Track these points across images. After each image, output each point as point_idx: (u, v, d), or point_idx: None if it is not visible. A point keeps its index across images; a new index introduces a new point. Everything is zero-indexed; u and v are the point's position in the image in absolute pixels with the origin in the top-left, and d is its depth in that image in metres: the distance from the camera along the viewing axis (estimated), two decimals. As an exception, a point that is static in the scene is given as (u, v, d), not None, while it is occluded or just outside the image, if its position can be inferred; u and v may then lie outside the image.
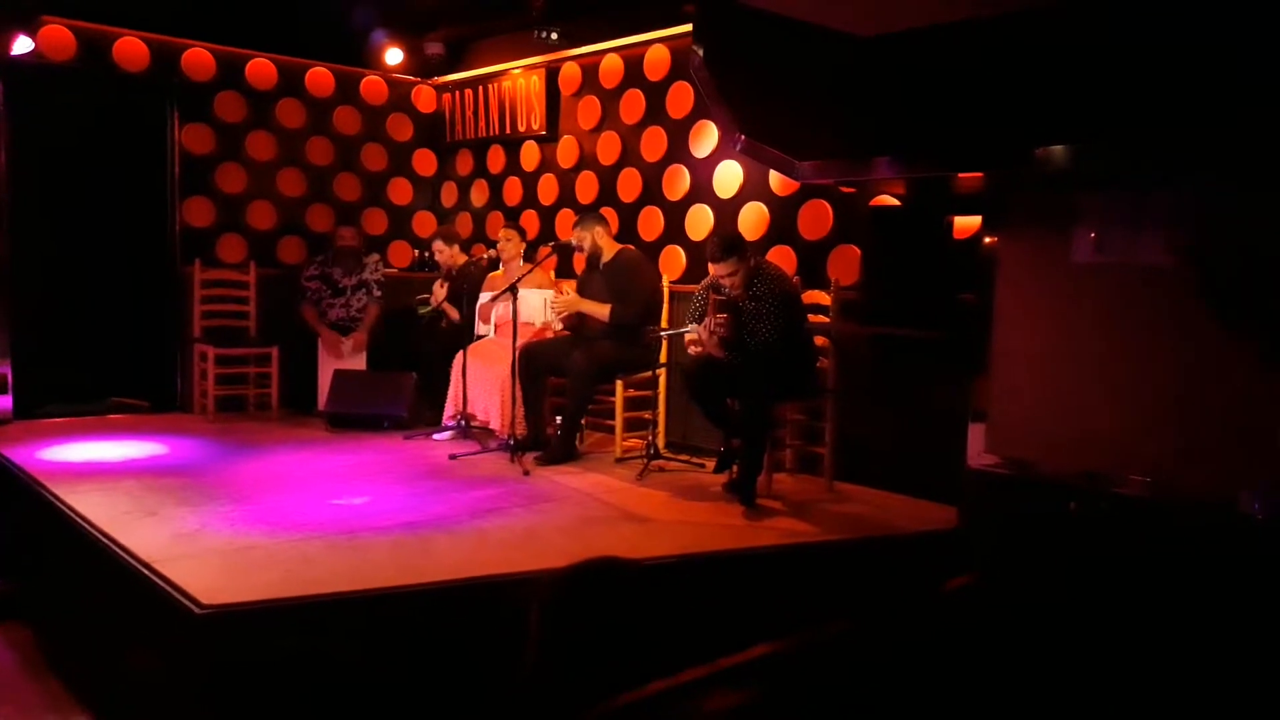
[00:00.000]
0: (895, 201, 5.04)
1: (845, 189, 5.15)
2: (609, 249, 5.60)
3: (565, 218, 6.81)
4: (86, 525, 3.89)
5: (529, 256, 6.18)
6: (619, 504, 4.57)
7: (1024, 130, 4.04)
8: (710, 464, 5.07)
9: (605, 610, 1.74)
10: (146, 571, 3.31)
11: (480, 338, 6.15)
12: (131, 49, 6.60)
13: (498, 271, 6.20)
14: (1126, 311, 3.88)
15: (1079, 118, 3.91)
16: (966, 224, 4.76)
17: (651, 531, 4.17)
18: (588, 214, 5.77)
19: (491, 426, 5.77)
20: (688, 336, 4.78)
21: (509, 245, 6.10)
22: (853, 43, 4.52)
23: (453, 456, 5.33)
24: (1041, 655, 3.22)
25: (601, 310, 5.41)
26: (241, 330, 6.70)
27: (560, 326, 5.75)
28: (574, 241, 5.62)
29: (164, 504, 4.23)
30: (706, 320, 4.62)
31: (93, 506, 4.10)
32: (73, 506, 4.12)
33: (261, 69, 7.11)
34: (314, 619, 3.13)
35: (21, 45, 5.82)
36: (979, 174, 4.34)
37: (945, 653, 2.76)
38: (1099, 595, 3.64)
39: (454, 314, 6.34)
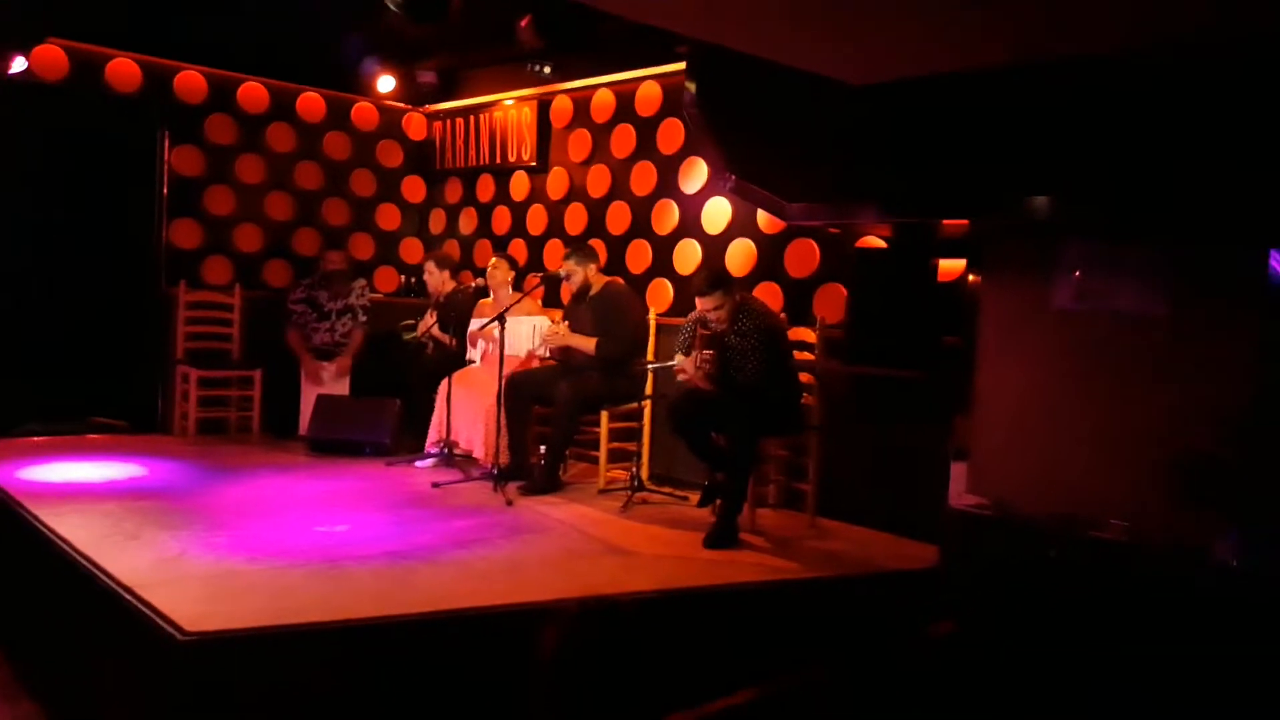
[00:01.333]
0: (881, 243, 5.12)
1: (832, 229, 5.22)
2: (597, 282, 5.64)
3: (554, 248, 6.86)
4: (66, 547, 3.86)
5: (517, 285, 6.21)
6: (602, 536, 4.58)
7: (1008, 179, 4.13)
8: (694, 497, 5.09)
9: (607, 653, 1.76)
10: (129, 597, 3.29)
11: (470, 363, 6.16)
12: (124, 70, 6.63)
13: (488, 299, 6.23)
14: (1107, 357, 3.95)
15: (1062, 169, 4.00)
16: (951, 267, 4.84)
17: (634, 565, 4.18)
18: (581, 248, 5.81)
19: (475, 455, 5.77)
20: (676, 367, 4.82)
21: (497, 273, 6.13)
22: (843, 89, 4.61)
23: (435, 485, 5.32)
24: (1019, 698, 3.25)
25: (588, 344, 5.44)
26: (225, 353, 6.68)
27: (545, 354, 5.77)
28: (563, 273, 5.67)
29: (144, 527, 4.20)
30: (694, 354, 4.66)
31: (73, 528, 4.07)
32: (52, 528, 4.09)
33: (253, 93, 7.15)
34: (297, 647, 3.12)
35: (16, 65, 5.83)
36: (963, 220, 4.43)
37: (927, 696, 2.78)
38: (1075, 638, 3.68)
39: (445, 339, 6.32)
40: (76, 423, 6.46)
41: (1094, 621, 3.70)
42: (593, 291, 5.62)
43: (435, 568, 3.92)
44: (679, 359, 4.83)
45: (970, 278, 4.59)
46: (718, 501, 4.71)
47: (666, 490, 5.40)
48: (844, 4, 3.59)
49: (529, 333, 5.91)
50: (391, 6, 4.78)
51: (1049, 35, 3.74)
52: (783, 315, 5.13)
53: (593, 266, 5.63)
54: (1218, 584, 3.49)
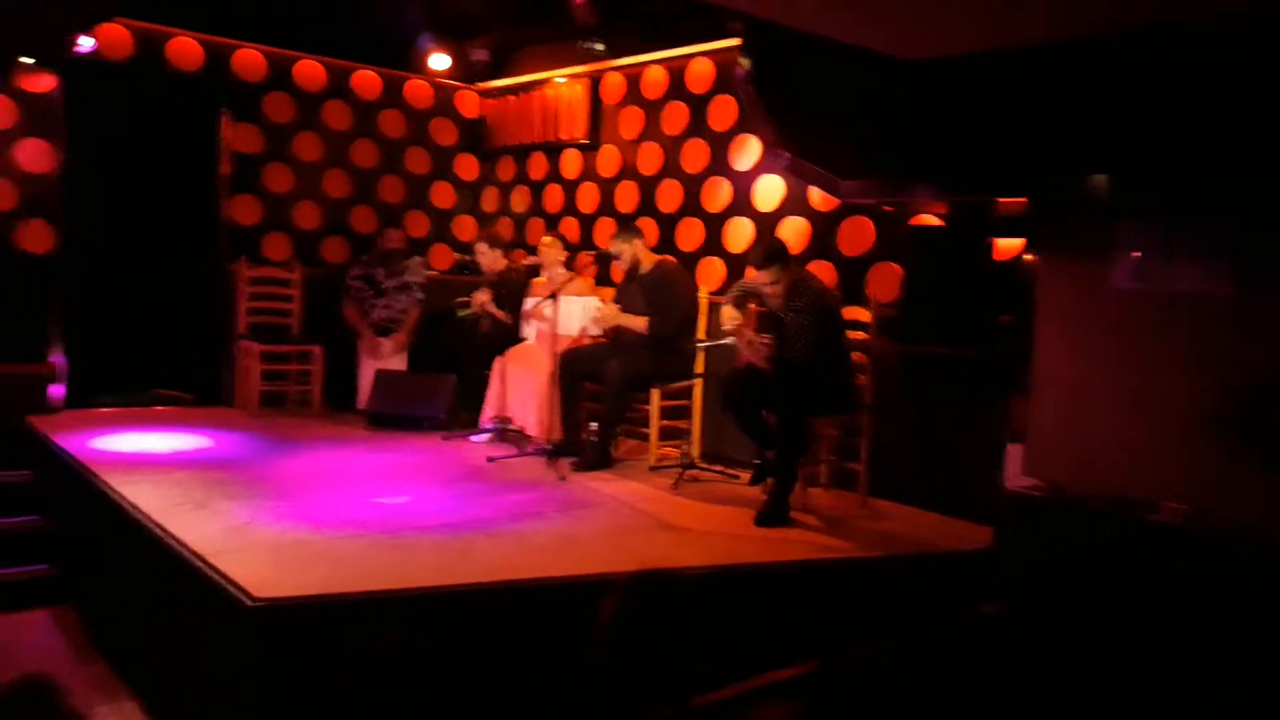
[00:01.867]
0: (937, 221, 5.08)
1: (887, 208, 5.19)
2: (647, 260, 5.67)
3: (605, 225, 6.89)
4: (139, 515, 4.00)
5: (569, 264, 6.26)
6: (654, 513, 4.64)
7: (1066, 157, 4.07)
8: (745, 475, 5.12)
9: (664, 621, 1.81)
10: (199, 563, 3.41)
11: (525, 340, 6.25)
12: (185, 48, 6.76)
13: (540, 278, 6.28)
14: (1167, 338, 3.89)
15: (1121, 146, 3.94)
16: (1008, 246, 4.79)
17: (686, 541, 4.23)
18: (625, 227, 5.84)
19: (528, 431, 5.85)
20: (731, 338, 4.80)
21: (550, 252, 6.17)
22: (897, 65, 4.56)
23: (490, 459, 5.41)
24: (1071, 680, 3.25)
25: (639, 324, 5.48)
26: (285, 328, 6.83)
27: (598, 333, 5.81)
28: (612, 252, 5.70)
29: (212, 497, 4.34)
30: (750, 337, 4.65)
31: (144, 496, 4.22)
32: (125, 495, 4.24)
33: (310, 70, 7.25)
34: (360, 615, 3.22)
35: (84, 44, 5.98)
36: (1021, 199, 4.37)
37: (978, 674, 2.80)
38: (1130, 622, 3.66)
39: (500, 315, 6.40)
40: (145, 395, 6.66)
41: (1150, 606, 3.67)
42: (643, 270, 5.65)
43: (492, 539, 4.00)
44: (726, 311, 4.81)
45: (1027, 257, 4.54)
46: (769, 480, 4.73)
47: (718, 468, 5.44)
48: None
49: (579, 312, 5.95)
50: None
51: (1105, 7, 3.67)
52: (836, 294, 5.11)
53: (639, 243, 5.65)
54: (1274, 566, 3.45)
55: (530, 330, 6.28)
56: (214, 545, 3.59)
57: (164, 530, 3.77)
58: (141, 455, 5.14)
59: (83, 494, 4.63)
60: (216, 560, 3.41)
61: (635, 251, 5.63)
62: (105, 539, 4.46)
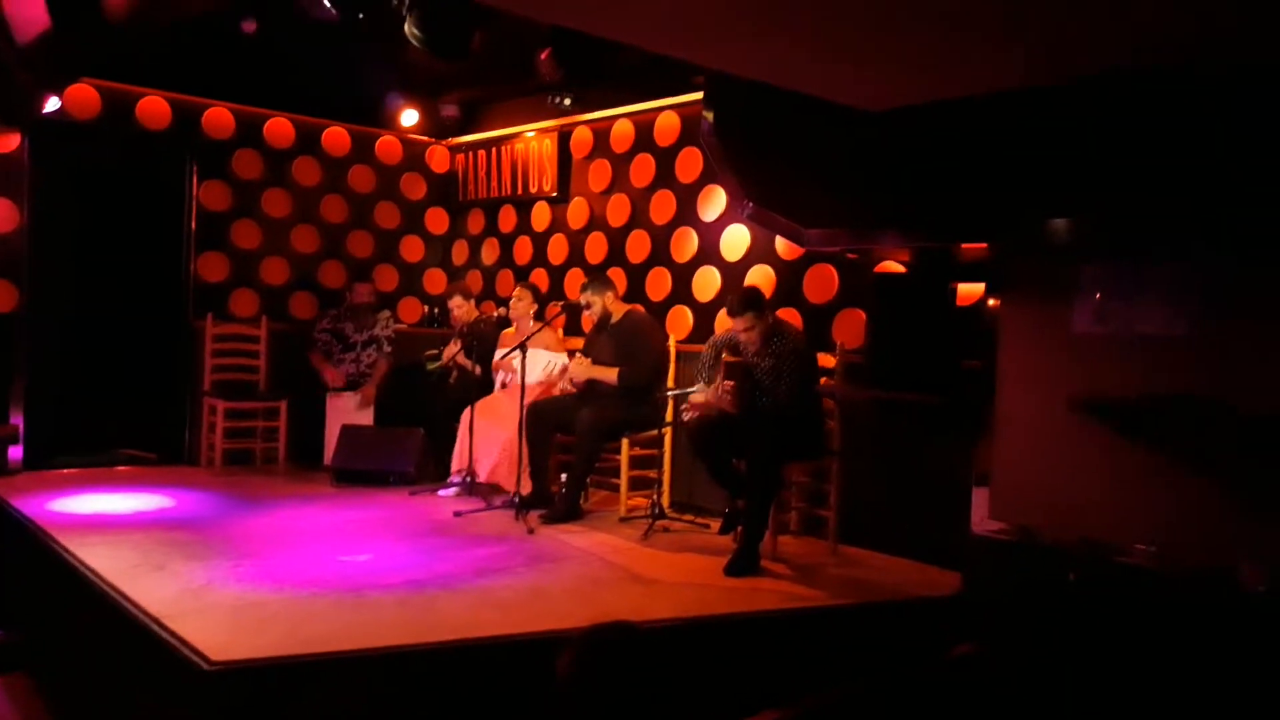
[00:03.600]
0: (900, 268, 5.12)
1: (851, 255, 5.24)
2: (617, 311, 5.68)
3: (575, 277, 6.92)
4: (94, 578, 3.91)
5: (540, 315, 6.26)
6: (624, 564, 4.59)
7: (1027, 202, 4.13)
8: (715, 524, 5.09)
9: (624, 674, 1.77)
10: (155, 626, 3.33)
11: (502, 386, 6.22)
12: (154, 108, 6.77)
13: (511, 329, 6.28)
14: (1128, 379, 3.93)
15: (1081, 191, 4.00)
16: (970, 291, 4.84)
17: (656, 593, 4.18)
18: (597, 277, 5.87)
19: (496, 484, 5.79)
20: (692, 399, 4.84)
21: (520, 304, 6.17)
22: (858, 116, 4.64)
23: (458, 514, 5.35)
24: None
25: (610, 374, 5.47)
26: (251, 384, 6.77)
27: (569, 386, 5.80)
28: (582, 303, 5.72)
29: (171, 558, 4.25)
30: (717, 383, 4.67)
31: (100, 559, 4.13)
32: (80, 558, 4.15)
33: (279, 128, 7.29)
34: (321, 677, 3.14)
35: (50, 104, 5.98)
36: (982, 244, 4.43)
37: (952, 717, 2.76)
38: (1099, 664, 3.64)
39: (470, 366, 6.37)
40: (107, 455, 6.56)
41: (1119, 647, 3.66)
42: (613, 320, 5.66)
43: (458, 596, 3.94)
44: (699, 387, 4.86)
45: (990, 301, 4.59)
46: (739, 529, 4.70)
47: (688, 518, 5.40)
48: (858, 32, 3.63)
49: (545, 365, 5.95)
50: (415, 43, 4.87)
51: (1062, 57, 3.76)
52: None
53: (610, 295, 5.67)
54: (1243, 609, 3.44)
55: (499, 381, 6.26)
56: (171, 608, 3.50)
57: (119, 593, 3.68)
58: (100, 517, 5.05)
59: (38, 557, 4.53)
60: (173, 623, 3.33)
61: (605, 303, 5.65)
62: (61, 603, 4.35)
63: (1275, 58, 3.48)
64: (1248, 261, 3.68)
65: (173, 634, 3.24)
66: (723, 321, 5.18)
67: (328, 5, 5.05)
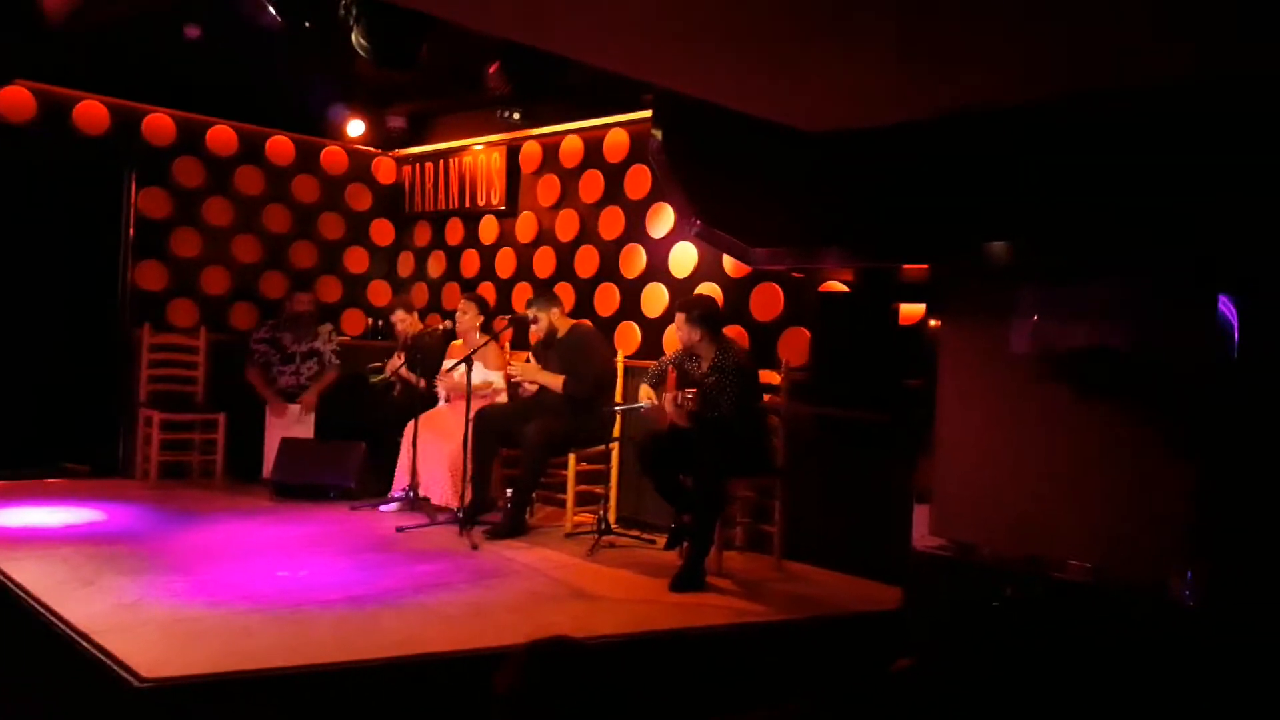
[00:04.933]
0: (844, 287, 5.20)
1: (796, 274, 5.30)
2: (563, 326, 5.69)
3: (522, 290, 6.90)
4: (21, 593, 3.79)
5: (486, 328, 6.22)
6: (568, 580, 4.56)
7: (967, 224, 4.23)
8: (661, 540, 5.10)
9: (565, 690, 1.76)
10: (84, 643, 3.24)
11: (446, 401, 6.16)
12: (92, 112, 6.62)
13: (458, 341, 6.23)
14: (1064, 399, 4.02)
15: (1019, 215, 4.11)
16: (912, 311, 4.93)
17: (600, 610, 4.16)
18: (542, 294, 5.88)
19: (439, 500, 5.73)
20: (644, 410, 4.86)
21: (465, 317, 6.13)
22: (805, 137, 4.71)
23: (400, 529, 5.29)
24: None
25: (555, 381, 5.47)
26: (189, 395, 6.62)
27: (514, 379, 5.76)
28: (529, 318, 5.71)
29: (102, 573, 4.14)
30: (674, 394, 4.69)
31: (28, 574, 4.00)
32: (7, 574, 4.01)
33: (222, 135, 7.16)
34: (256, 693, 3.08)
35: (-19, 106, 5.82)
36: (923, 265, 4.52)
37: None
38: (1035, 679, 3.71)
39: (414, 379, 6.30)
40: (44, 467, 6.36)
41: (1053, 662, 3.73)
42: (560, 335, 5.66)
43: (398, 612, 3.89)
44: (644, 390, 4.88)
45: (931, 321, 4.67)
46: (684, 544, 4.72)
47: (634, 533, 5.40)
48: (803, 55, 3.69)
49: (484, 380, 5.92)
50: (361, 53, 4.83)
51: (1003, 84, 3.86)
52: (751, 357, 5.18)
53: (555, 311, 5.68)
54: (1173, 623, 3.54)
55: (443, 396, 6.20)
56: (100, 623, 3.41)
57: (47, 609, 3.57)
58: (29, 530, 4.89)
59: (-39, 572, 4.37)
60: (102, 639, 3.24)
61: (551, 319, 5.66)
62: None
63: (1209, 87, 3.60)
64: (1169, 286, 3.79)
65: (102, 650, 3.16)
66: (672, 338, 5.20)
67: (273, 12, 4.98)
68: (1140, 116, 3.79)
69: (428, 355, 6.26)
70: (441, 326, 6.38)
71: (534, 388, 5.75)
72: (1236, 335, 3.61)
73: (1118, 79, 3.68)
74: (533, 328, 5.76)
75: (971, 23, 3.21)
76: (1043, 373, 4.08)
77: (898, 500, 4.57)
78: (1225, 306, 3.68)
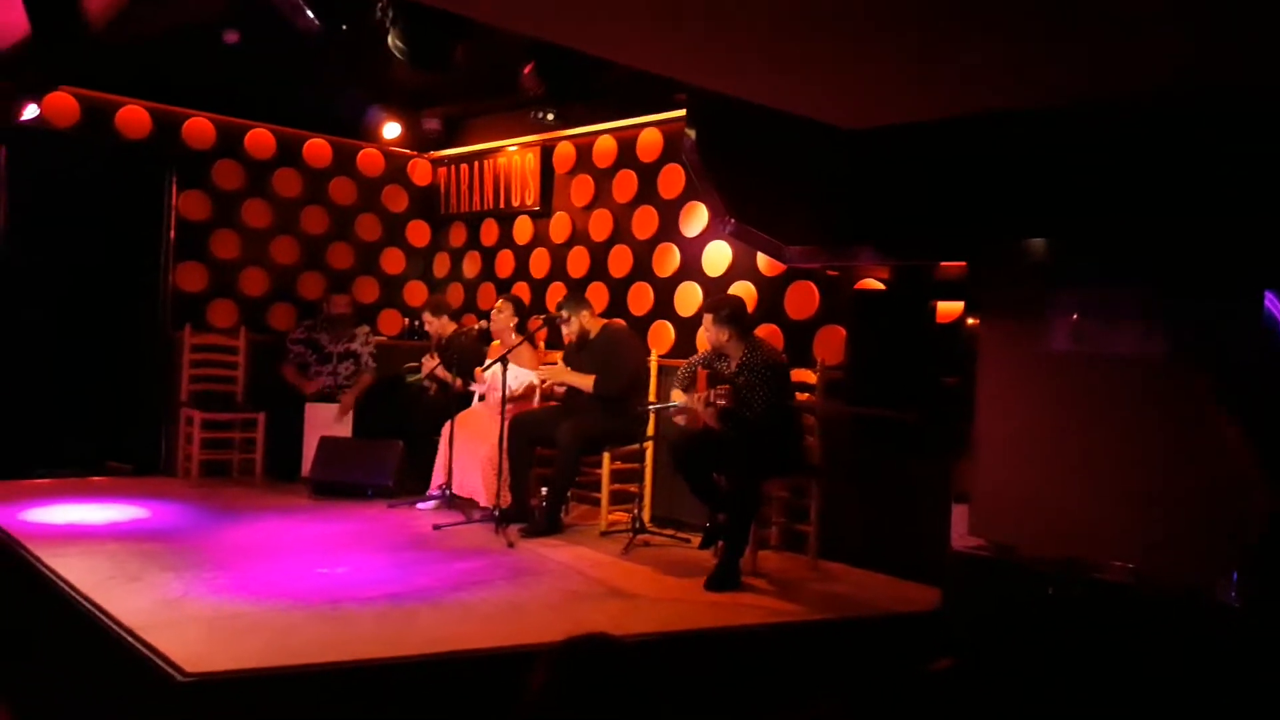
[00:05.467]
0: (880, 285, 5.16)
1: (831, 272, 5.27)
2: (594, 327, 5.70)
3: (556, 290, 6.93)
4: (68, 589, 3.86)
5: (522, 328, 6.25)
6: (604, 579, 4.57)
7: (1005, 222, 4.18)
8: (696, 539, 5.09)
9: (600, 687, 1.76)
10: (129, 638, 3.29)
11: (481, 397, 6.19)
12: (134, 117, 6.74)
13: (495, 342, 6.26)
14: (1106, 399, 3.97)
15: (1059, 212, 4.06)
16: (949, 308, 4.88)
17: (636, 608, 4.17)
18: (572, 295, 5.92)
19: (476, 498, 5.77)
20: (674, 410, 4.86)
21: (501, 316, 6.17)
22: (840, 134, 4.68)
23: (437, 527, 5.33)
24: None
25: (585, 381, 5.48)
26: (229, 395, 6.71)
27: (543, 383, 5.78)
28: (560, 319, 5.71)
29: (147, 569, 4.21)
30: (705, 393, 4.68)
31: (75, 570, 4.08)
32: (54, 570, 4.10)
33: (260, 139, 7.26)
34: (297, 689, 3.12)
35: (29, 112, 5.94)
36: (961, 263, 4.47)
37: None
38: (1075, 680, 3.66)
39: (450, 379, 6.34)
40: (88, 466, 6.48)
41: (1097, 664, 3.68)
42: (592, 336, 5.67)
43: (436, 610, 3.91)
44: (675, 394, 4.88)
45: (969, 319, 4.63)
46: (719, 543, 4.71)
47: (668, 532, 5.40)
48: (839, 52, 3.67)
49: (517, 379, 5.93)
50: (398, 55, 4.87)
51: (1043, 84, 3.82)
52: (784, 356, 5.16)
53: (585, 313, 5.70)
54: (1219, 625, 3.48)
55: (477, 394, 6.23)
56: (145, 619, 3.47)
57: (93, 604, 3.64)
58: (74, 527, 4.99)
59: (10, 568, 4.46)
60: (147, 634, 3.29)
61: (582, 321, 5.67)
62: (32, 615, 4.28)
63: (1250, 88, 3.54)
64: (1213, 283, 3.73)
65: (147, 645, 3.20)
66: (703, 339, 5.19)
67: (311, 16, 5.04)
68: (1183, 114, 3.74)
69: (463, 355, 6.30)
70: (477, 326, 6.42)
71: (562, 389, 5.77)
72: (1283, 332, 3.55)
73: (1157, 81, 3.62)
74: (565, 330, 5.77)
75: (1007, 24, 3.18)
76: (1084, 372, 4.03)
77: (934, 499, 4.53)
78: (1271, 303, 3.61)
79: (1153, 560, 3.72)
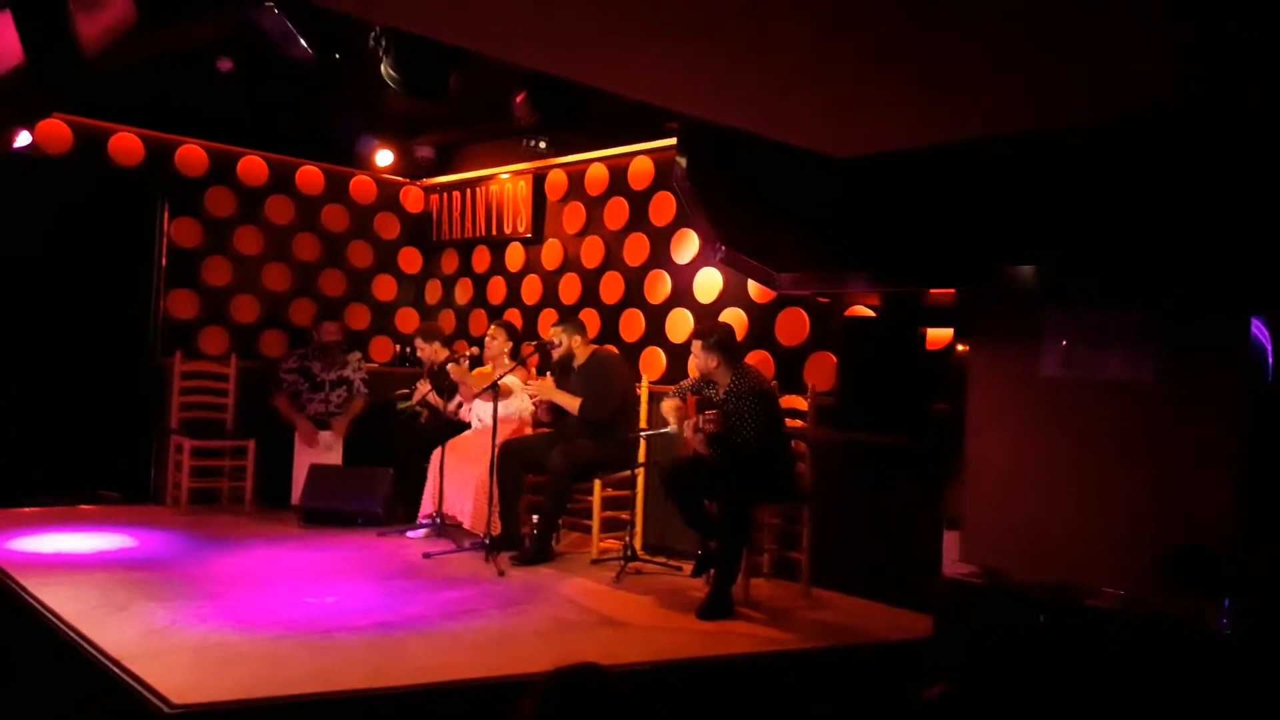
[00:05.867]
0: (870, 312, 5.19)
1: (822, 299, 5.30)
2: (582, 354, 5.69)
3: (548, 317, 6.94)
4: (54, 619, 3.83)
5: (515, 354, 6.25)
6: (595, 608, 4.55)
7: (993, 249, 4.21)
8: (688, 567, 5.07)
9: (589, 718, 1.75)
10: (115, 669, 3.26)
11: (475, 423, 6.19)
12: (127, 144, 6.76)
13: (485, 369, 6.26)
14: (1095, 424, 3.98)
15: (1046, 238, 4.09)
16: (939, 335, 4.90)
17: (628, 637, 4.14)
18: (571, 319, 5.91)
19: (465, 525, 5.74)
20: (674, 431, 4.87)
21: (494, 343, 6.17)
22: (829, 162, 4.72)
23: (427, 555, 5.30)
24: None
25: (572, 403, 5.48)
26: (219, 422, 6.69)
27: (531, 399, 5.78)
28: (551, 340, 5.72)
29: (134, 598, 4.17)
30: (694, 418, 4.68)
31: (61, 599, 4.04)
32: (40, 599, 4.06)
33: (253, 166, 7.28)
34: (285, 721, 3.09)
35: (21, 139, 5.94)
36: (950, 289, 4.50)
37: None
38: (1067, 707, 3.65)
39: (441, 404, 6.34)
40: (77, 494, 6.43)
41: (1088, 690, 3.67)
42: (578, 362, 5.68)
43: (426, 639, 3.89)
44: (665, 404, 4.90)
45: (958, 346, 4.64)
46: (711, 571, 4.69)
47: (660, 560, 5.38)
48: (829, 83, 3.70)
49: (515, 407, 5.94)
50: (391, 84, 4.90)
51: (1027, 110, 3.85)
52: (774, 383, 5.17)
53: (579, 339, 5.70)
54: (1208, 651, 3.47)
55: (473, 416, 6.22)
56: (132, 649, 3.43)
57: (78, 634, 3.60)
58: (62, 556, 4.95)
59: (-5, 598, 4.42)
60: (133, 665, 3.26)
61: (573, 344, 5.67)
62: (18, 645, 4.23)
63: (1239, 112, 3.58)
64: (1201, 310, 3.75)
65: (134, 676, 3.17)
66: (693, 365, 5.19)
67: (304, 45, 5.07)
68: (1170, 138, 3.78)
69: (455, 383, 6.29)
70: (468, 353, 6.41)
71: (547, 415, 5.77)
72: (1271, 357, 3.57)
73: (1143, 104, 3.67)
74: (554, 349, 5.75)
75: (994, 51, 3.22)
76: (1074, 397, 4.04)
77: (926, 526, 4.53)
78: (1258, 328, 3.64)
79: (1144, 586, 3.72)
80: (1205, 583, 3.51)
